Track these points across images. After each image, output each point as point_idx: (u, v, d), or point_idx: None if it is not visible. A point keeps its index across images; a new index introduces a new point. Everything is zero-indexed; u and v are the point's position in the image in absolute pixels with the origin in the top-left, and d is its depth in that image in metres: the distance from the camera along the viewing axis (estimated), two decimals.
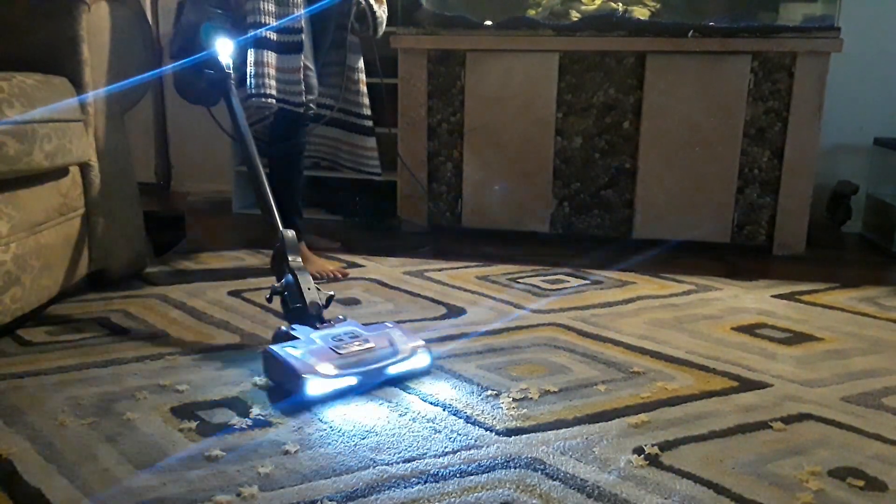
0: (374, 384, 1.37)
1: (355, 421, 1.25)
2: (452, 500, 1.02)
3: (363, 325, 1.49)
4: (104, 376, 1.40)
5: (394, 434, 1.20)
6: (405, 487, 1.05)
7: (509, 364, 1.51)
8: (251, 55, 1.94)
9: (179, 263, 2.23)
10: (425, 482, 1.06)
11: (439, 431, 1.22)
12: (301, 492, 1.03)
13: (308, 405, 1.29)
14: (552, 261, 2.37)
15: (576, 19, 2.67)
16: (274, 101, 1.98)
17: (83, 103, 1.75)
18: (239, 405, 1.30)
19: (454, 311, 1.84)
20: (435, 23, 2.67)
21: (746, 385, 1.43)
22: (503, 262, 2.35)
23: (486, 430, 1.23)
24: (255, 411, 1.27)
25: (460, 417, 1.27)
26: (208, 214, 3.08)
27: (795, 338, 1.71)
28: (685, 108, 2.50)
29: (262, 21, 1.94)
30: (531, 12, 2.77)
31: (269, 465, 1.10)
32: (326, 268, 2.14)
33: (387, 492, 1.04)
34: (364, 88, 2.35)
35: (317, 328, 1.44)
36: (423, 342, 1.47)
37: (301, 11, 2.01)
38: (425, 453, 1.14)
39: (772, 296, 2.03)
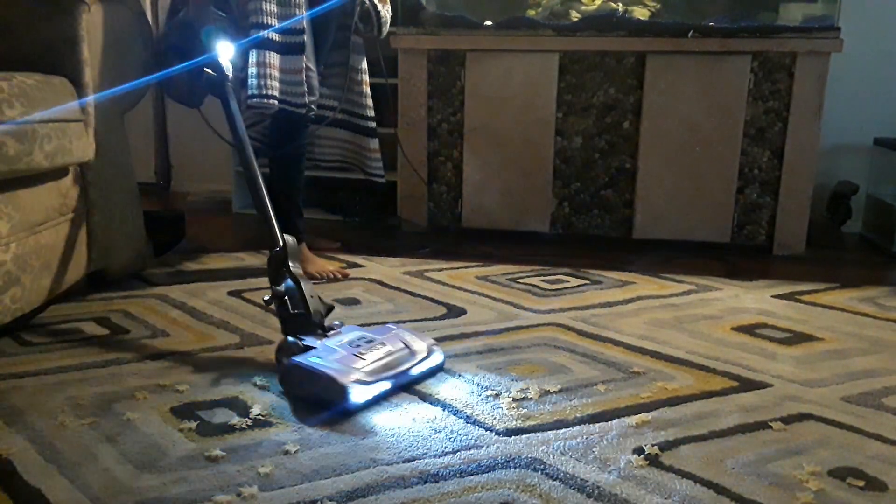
0: (402, 387, 1.37)
1: (355, 421, 1.25)
2: (452, 500, 1.02)
3: (361, 326, 1.49)
4: (104, 376, 1.40)
5: (394, 434, 1.20)
6: (405, 487, 1.05)
7: (509, 364, 1.51)
8: (253, 56, 1.93)
9: (179, 263, 2.23)
10: (425, 482, 1.06)
11: (439, 431, 1.22)
12: (301, 492, 1.03)
13: (349, 413, 1.26)
14: (552, 261, 2.37)
15: (576, 19, 2.67)
16: (276, 101, 1.97)
17: (83, 103, 1.75)
18: (239, 405, 1.30)
19: (454, 311, 1.84)
20: (435, 23, 2.67)
21: (746, 385, 1.43)
22: (503, 262, 2.35)
23: (486, 430, 1.23)
24: (255, 411, 1.27)
25: (460, 417, 1.27)
26: (208, 214, 3.08)
27: (795, 338, 1.71)
28: (685, 108, 2.50)
29: (264, 22, 1.94)
30: (531, 12, 2.77)
31: (269, 465, 1.10)
32: (326, 268, 2.14)
33: (387, 492, 1.04)
34: (367, 89, 2.34)
35: (327, 336, 1.41)
36: (432, 340, 1.47)
37: (303, 12, 2.00)
38: (425, 453, 1.15)
39: (772, 296, 2.03)
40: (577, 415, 1.29)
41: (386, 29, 2.28)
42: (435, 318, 1.79)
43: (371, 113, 2.36)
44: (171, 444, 1.16)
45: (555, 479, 1.08)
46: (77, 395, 1.32)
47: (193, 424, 1.22)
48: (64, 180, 1.70)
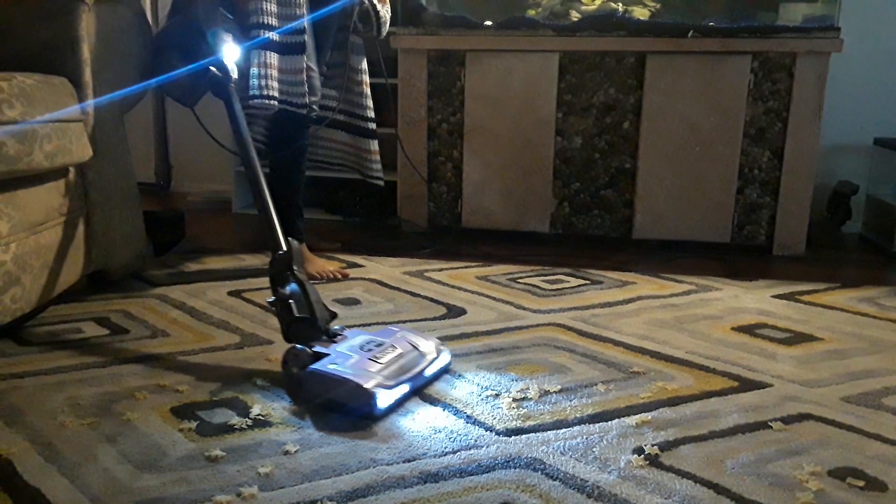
0: (419, 389, 1.36)
1: (355, 421, 1.25)
2: (452, 500, 1.02)
3: (362, 330, 1.48)
4: (104, 376, 1.40)
5: (394, 434, 1.20)
6: (405, 487, 1.05)
7: (509, 364, 1.51)
8: (253, 56, 1.93)
9: (179, 263, 2.23)
10: (425, 482, 1.06)
11: (439, 431, 1.22)
12: (301, 492, 1.03)
13: (376, 418, 1.25)
14: (552, 261, 2.37)
15: (576, 19, 2.67)
16: (276, 102, 1.97)
17: (84, 107, 1.75)
18: (239, 405, 1.30)
19: (454, 311, 1.84)
20: (435, 23, 2.67)
21: (746, 385, 1.43)
22: (503, 262, 2.35)
23: (486, 430, 1.23)
24: (255, 411, 1.27)
25: (460, 417, 1.27)
26: (208, 214, 3.08)
27: (795, 338, 1.71)
28: (685, 108, 2.50)
29: (265, 21, 1.93)
30: (531, 12, 2.77)
31: (269, 465, 1.10)
32: (326, 268, 2.14)
33: (387, 492, 1.04)
34: (367, 90, 2.33)
35: (334, 341, 1.39)
36: (438, 340, 1.47)
37: (304, 10, 1.99)
38: (425, 453, 1.15)
39: (772, 296, 2.03)
40: (577, 415, 1.29)
41: (385, 29, 2.28)
42: (435, 318, 1.79)
43: (371, 114, 2.34)
44: (171, 444, 1.16)
45: (555, 479, 1.08)
46: (77, 395, 1.32)
47: (193, 424, 1.22)
48: (64, 180, 1.70)
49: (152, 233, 2.20)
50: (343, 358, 1.32)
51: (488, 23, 2.69)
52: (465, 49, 2.61)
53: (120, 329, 1.67)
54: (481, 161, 2.67)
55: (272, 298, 1.44)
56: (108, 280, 1.94)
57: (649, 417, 1.28)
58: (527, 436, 1.21)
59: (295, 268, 1.45)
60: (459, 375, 1.44)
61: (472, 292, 2.01)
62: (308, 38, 2.02)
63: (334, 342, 1.39)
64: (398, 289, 2.03)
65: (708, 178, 2.53)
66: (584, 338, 1.67)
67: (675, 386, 1.41)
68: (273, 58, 1.95)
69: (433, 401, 1.33)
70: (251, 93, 1.93)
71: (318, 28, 2.08)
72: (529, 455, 1.15)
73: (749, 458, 1.15)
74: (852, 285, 2.16)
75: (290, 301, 1.40)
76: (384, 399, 1.26)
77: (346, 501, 1.01)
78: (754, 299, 2.00)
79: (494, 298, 1.96)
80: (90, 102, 1.76)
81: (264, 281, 2.04)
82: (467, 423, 1.25)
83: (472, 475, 1.09)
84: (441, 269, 2.24)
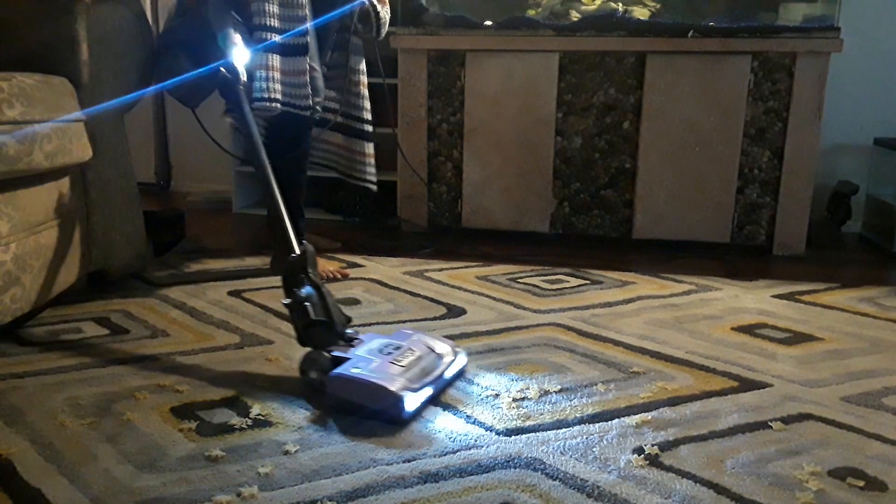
0: (440, 392, 1.35)
1: (355, 421, 1.25)
2: (452, 500, 1.02)
3: (377, 333, 1.46)
4: (104, 376, 1.40)
5: (394, 434, 1.20)
6: (405, 487, 1.05)
7: (509, 364, 1.51)
8: (255, 58, 1.92)
9: (179, 263, 2.23)
10: (425, 482, 1.06)
11: (439, 431, 1.22)
12: (301, 492, 1.03)
13: (406, 422, 1.24)
14: (552, 261, 2.37)
15: (576, 19, 2.67)
16: (279, 105, 1.96)
17: (83, 104, 1.75)
18: (239, 405, 1.30)
19: (454, 311, 1.84)
20: (435, 23, 2.67)
21: (746, 385, 1.43)
22: (503, 262, 2.35)
23: (486, 430, 1.23)
24: (255, 411, 1.27)
25: (460, 417, 1.27)
26: (208, 214, 3.08)
27: (795, 338, 1.71)
28: (685, 108, 2.50)
29: (266, 23, 1.93)
30: (531, 12, 2.77)
31: (269, 465, 1.10)
32: (327, 268, 2.14)
33: (387, 492, 1.04)
34: (365, 91, 2.33)
35: (352, 345, 1.38)
36: (452, 342, 1.46)
37: (307, 11, 1.99)
38: (425, 453, 1.15)
39: (772, 296, 2.03)
40: (577, 415, 1.29)
41: (384, 30, 2.27)
42: (435, 318, 1.79)
43: (368, 116, 2.33)
44: (171, 444, 1.16)
45: (554, 479, 1.08)
46: (77, 395, 1.32)
47: (193, 424, 1.22)
48: (64, 180, 1.70)
49: (152, 233, 2.20)
50: (365, 362, 1.30)
51: (488, 23, 2.69)
52: (465, 49, 2.61)
53: (120, 329, 1.67)
54: (481, 161, 2.67)
55: (288, 300, 1.41)
56: (108, 280, 1.94)
57: (649, 417, 1.28)
58: (527, 436, 1.21)
59: (310, 270, 1.43)
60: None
61: (472, 292, 2.01)
62: (311, 39, 2.01)
63: (352, 346, 1.37)
64: (398, 289, 2.03)
65: (708, 178, 2.53)
66: (584, 338, 1.67)
67: (675, 386, 1.42)
68: (275, 60, 1.94)
69: (433, 401, 1.33)
70: (254, 95, 1.92)
71: (318, 28, 2.08)
72: (529, 455, 1.15)
73: (749, 458, 1.15)
74: (852, 285, 2.16)
75: (307, 304, 1.38)
76: (411, 402, 1.25)
77: (346, 501, 1.01)
78: (754, 299, 2.00)
79: (494, 298, 1.96)
80: (99, 107, 1.76)
81: (264, 281, 2.06)
82: (467, 423, 1.25)
83: (472, 475, 1.09)
84: (441, 269, 2.24)
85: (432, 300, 1.93)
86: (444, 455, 1.14)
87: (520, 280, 2.15)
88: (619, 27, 2.53)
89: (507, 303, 1.92)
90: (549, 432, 1.22)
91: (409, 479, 1.07)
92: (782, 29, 2.46)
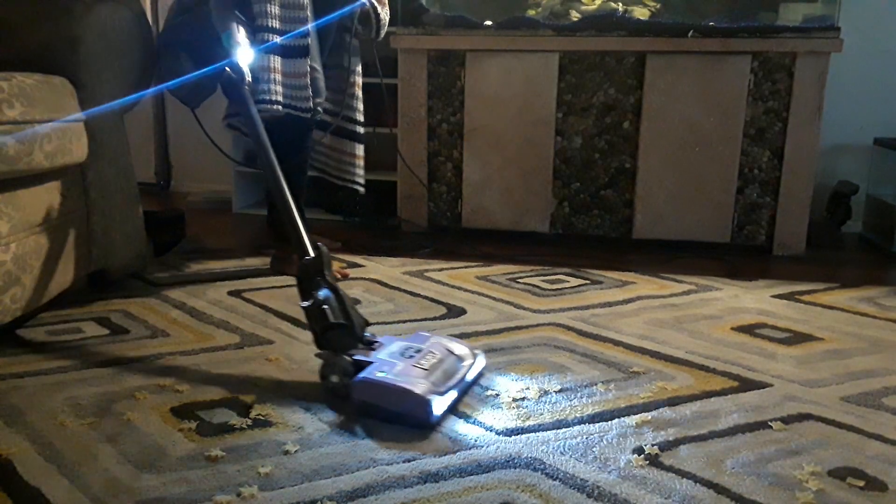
0: (464, 394, 1.35)
1: (355, 421, 1.25)
2: (452, 500, 1.02)
3: (394, 336, 1.45)
4: (104, 376, 1.40)
5: (394, 434, 1.20)
6: (405, 487, 1.05)
7: (509, 364, 1.51)
8: (257, 60, 1.92)
9: (179, 263, 2.23)
10: (425, 482, 1.06)
11: (439, 431, 1.22)
12: (301, 492, 1.03)
13: (433, 424, 1.23)
14: (552, 261, 2.37)
15: (576, 19, 2.68)
16: (280, 107, 1.95)
17: (83, 104, 1.75)
18: (239, 405, 1.30)
19: (454, 311, 1.84)
20: (435, 23, 2.67)
21: (746, 385, 1.43)
22: (503, 262, 2.35)
23: (486, 430, 1.23)
24: (255, 411, 1.27)
25: (460, 417, 1.27)
26: (208, 214, 3.08)
27: (795, 338, 1.71)
28: (685, 108, 2.50)
29: (268, 24, 1.92)
30: (531, 12, 2.77)
31: (269, 465, 1.10)
32: None
33: (387, 492, 1.04)
34: (359, 93, 2.32)
35: (372, 349, 1.36)
36: (469, 344, 1.45)
37: (308, 12, 1.98)
38: (425, 453, 1.15)
39: (772, 296, 2.03)
40: (577, 415, 1.29)
41: (384, 31, 2.27)
42: (435, 318, 1.79)
43: (360, 117, 2.32)
44: (171, 444, 1.16)
45: (554, 479, 1.08)
46: (77, 395, 1.32)
47: (193, 424, 1.22)
48: (64, 180, 1.70)
49: (152, 233, 2.20)
50: (388, 366, 1.28)
51: (488, 23, 2.69)
52: (465, 49, 2.61)
53: (120, 329, 1.67)
54: (481, 161, 2.67)
55: (306, 303, 1.38)
56: (108, 280, 1.94)
57: (649, 417, 1.28)
58: (527, 436, 1.21)
59: (325, 272, 1.41)
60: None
61: (472, 292, 2.01)
62: (312, 41, 2.01)
63: (372, 349, 1.36)
64: (398, 289, 2.03)
65: (708, 178, 2.53)
66: (584, 338, 1.67)
67: (675, 386, 1.42)
68: (276, 61, 1.94)
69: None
70: (257, 97, 1.91)
71: (319, 29, 2.07)
72: (529, 455, 1.15)
73: (749, 457, 1.15)
74: (852, 285, 2.16)
75: (325, 307, 1.35)
76: (438, 406, 1.23)
77: (346, 501, 1.01)
78: (754, 299, 2.00)
79: (494, 298, 1.96)
80: (101, 108, 1.75)
81: (264, 281, 2.06)
82: (467, 423, 1.25)
83: (472, 475, 1.09)
84: (441, 269, 2.24)
85: (432, 300, 1.93)
86: (444, 455, 1.14)
87: (520, 280, 2.15)
88: (619, 27, 2.53)
89: (507, 303, 1.92)
90: (549, 432, 1.22)
91: (409, 479, 1.07)
92: (782, 29, 2.46)
